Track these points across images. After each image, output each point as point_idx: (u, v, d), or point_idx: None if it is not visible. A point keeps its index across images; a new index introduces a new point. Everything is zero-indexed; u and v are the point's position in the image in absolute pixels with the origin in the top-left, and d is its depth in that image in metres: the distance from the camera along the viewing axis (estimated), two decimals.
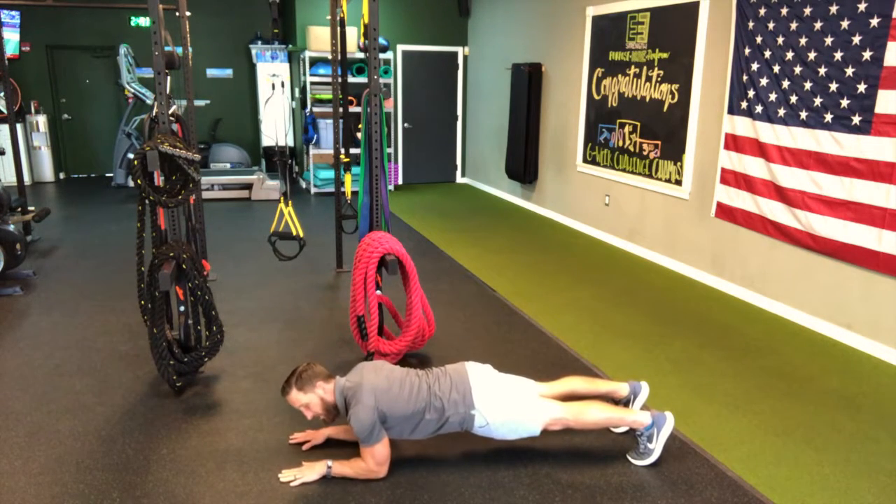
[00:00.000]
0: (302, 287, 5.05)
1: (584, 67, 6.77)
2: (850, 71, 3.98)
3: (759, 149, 4.66)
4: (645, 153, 5.97)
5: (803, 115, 4.29)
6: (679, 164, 5.56)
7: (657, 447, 2.76)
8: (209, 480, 2.64)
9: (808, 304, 4.44)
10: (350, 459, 2.68)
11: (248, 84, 10.24)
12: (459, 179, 10.26)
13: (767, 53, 4.54)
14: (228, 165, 9.60)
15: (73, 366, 3.65)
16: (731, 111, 4.92)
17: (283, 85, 9.41)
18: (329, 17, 5.47)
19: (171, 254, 3.16)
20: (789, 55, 4.37)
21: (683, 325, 4.43)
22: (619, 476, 2.70)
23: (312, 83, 8.83)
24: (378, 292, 3.69)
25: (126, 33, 9.54)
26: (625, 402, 2.98)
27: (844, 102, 4.02)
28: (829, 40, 4.10)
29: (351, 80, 8.42)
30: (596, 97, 6.63)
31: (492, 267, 5.70)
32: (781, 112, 4.45)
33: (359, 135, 7.37)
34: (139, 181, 3.06)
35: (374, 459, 2.59)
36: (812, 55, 4.22)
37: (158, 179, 3.34)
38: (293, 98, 9.85)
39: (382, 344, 3.60)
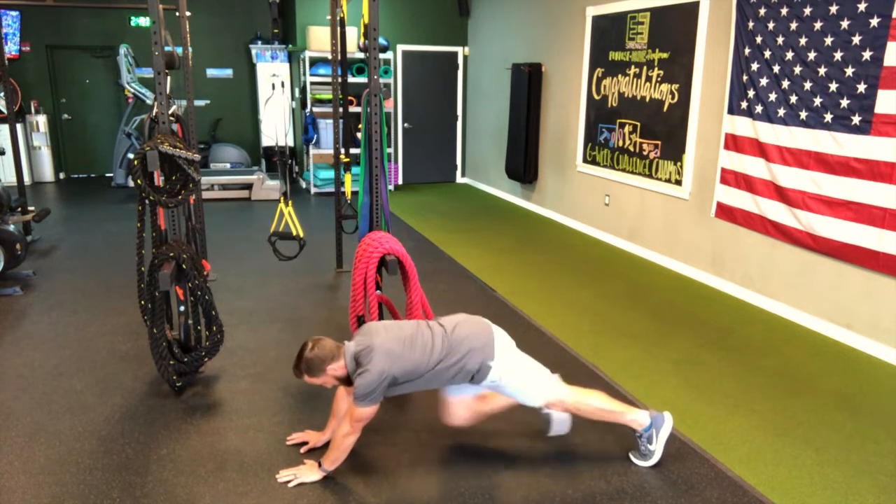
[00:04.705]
0: (302, 287, 5.05)
1: (584, 67, 6.76)
2: (850, 71, 3.98)
3: (759, 149, 4.66)
4: (645, 153, 5.97)
5: (803, 115, 4.29)
6: (679, 164, 5.56)
7: (658, 448, 2.76)
8: (209, 480, 2.64)
9: (808, 304, 4.44)
10: (330, 441, 2.67)
11: (248, 84, 10.24)
12: (459, 179, 10.25)
13: (767, 53, 4.54)
14: (228, 165, 9.60)
15: (73, 366, 3.66)
16: (731, 111, 4.92)
17: (283, 85, 9.41)
18: (329, 17, 5.47)
19: (171, 254, 3.16)
20: (789, 55, 4.37)
21: (683, 325, 4.43)
22: (619, 476, 2.70)
23: (312, 83, 8.83)
24: (378, 292, 3.69)
25: (126, 33, 9.54)
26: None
27: (844, 102, 4.01)
28: (829, 40, 4.10)
29: (351, 80, 8.42)
30: (596, 97, 6.63)
31: (492, 267, 5.70)
32: (781, 112, 4.45)
33: (359, 135, 7.37)
34: (139, 181, 3.06)
35: (354, 417, 2.50)
36: (812, 55, 4.22)
37: (158, 179, 3.34)
38: (293, 98, 9.85)
39: None
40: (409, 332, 2.61)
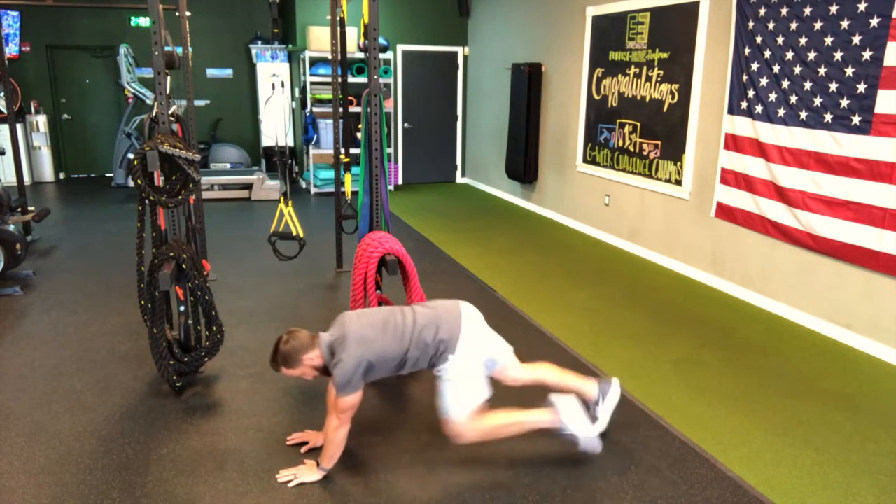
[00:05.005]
0: (302, 287, 5.05)
1: (584, 67, 6.76)
2: (850, 71, 3.98)
3: (759, 149, 4.66)
4: (645, 153, 5.97)
5: (803, 115, 4.29)
6: (679, 164, 5.56)
7: (575, 427, 2.73)
8: (209, 480, 2.64)
9: (808, 304, 4.44)
10: (323, 440, 2.67)
11: (248, 84, 10.24)
12: (459, 179, 10.25)
13: (767, 53, 4.54)
14: (228, 165, 9.60)
15: (73, 366, 3.66)
16: (731, 111, 4.92)
17: (283, 85, 9.41)
18: (329, 17, 5.47)
19: (171, 254, 3.16)
20: (789, 55, 4.37)
21: (683, 325, 4.43)
22: (619, 476, 2.70)
23: (312, 83, 8.83)
24: (378, 292, 3.69)
25: (126, 33, 9.54)
26: (595, 403, 2.91)
27: (844, 102, 4.01)
28: (829, 40, 4.10)
29: (351, 80, 8.42)
30: (596, 97, 6.63)
31: (492, 267, 5.70)
32: (781, 112, 4.45)
33: (359, 135, 7.37)
34: (139, 181, 3.06)
35: (339, 408, 2.51)
36: (812, 55, 4.22)
37: (158, 179, 3.35)
38: (293, 98, 9.85)
39: None
40: (380, 318, 2.64)
